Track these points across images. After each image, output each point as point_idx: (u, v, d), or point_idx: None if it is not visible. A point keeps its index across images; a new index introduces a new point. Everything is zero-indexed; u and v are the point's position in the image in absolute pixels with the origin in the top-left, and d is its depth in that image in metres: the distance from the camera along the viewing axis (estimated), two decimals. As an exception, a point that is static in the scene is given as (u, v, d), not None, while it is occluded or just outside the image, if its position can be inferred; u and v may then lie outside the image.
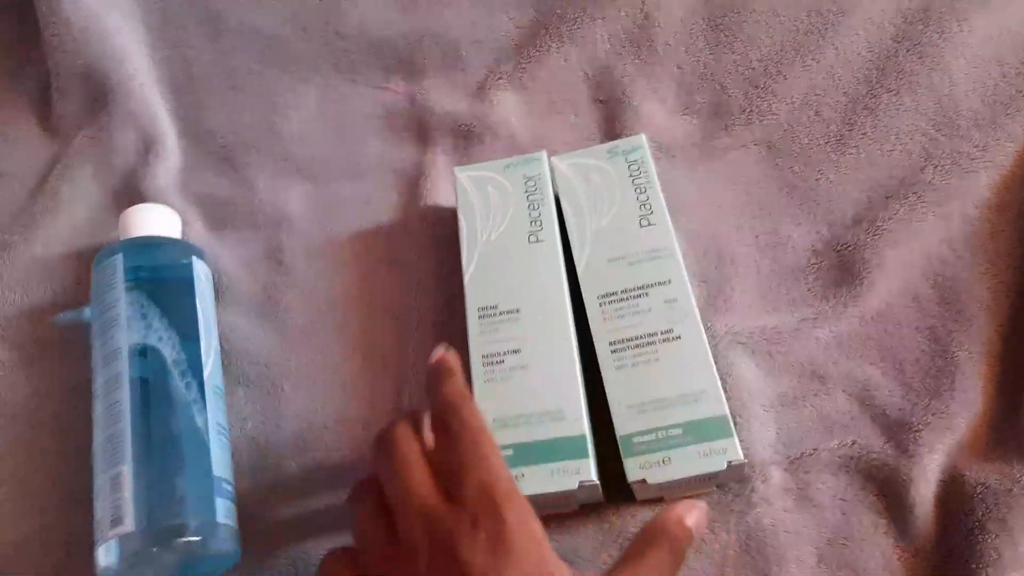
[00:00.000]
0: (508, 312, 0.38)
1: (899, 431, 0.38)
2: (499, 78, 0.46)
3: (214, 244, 0.44)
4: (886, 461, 0.38)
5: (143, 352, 0.37)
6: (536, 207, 0.40)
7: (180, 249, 0.40)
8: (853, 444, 0.38)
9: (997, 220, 0.42)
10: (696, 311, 0.38)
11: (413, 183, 0.45)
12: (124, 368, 0.36)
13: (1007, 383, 0.39)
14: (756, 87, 0.46)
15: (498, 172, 0.42)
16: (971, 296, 0.41)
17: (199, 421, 0.36)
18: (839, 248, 0.42)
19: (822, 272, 0.42)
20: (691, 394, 0.36)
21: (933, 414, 0.38)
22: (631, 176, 0.41)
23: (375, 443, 0.30)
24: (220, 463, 0.36)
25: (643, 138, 0.42)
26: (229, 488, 0.36)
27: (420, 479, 0.29)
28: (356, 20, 0.48)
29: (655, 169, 0.42)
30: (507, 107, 0.46)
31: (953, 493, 0.37)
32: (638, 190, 0.40)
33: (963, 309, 0.40)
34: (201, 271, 0.40)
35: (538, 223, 0.40)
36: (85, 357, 0.40)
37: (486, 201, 0.40)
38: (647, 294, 0.38)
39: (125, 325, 0.37)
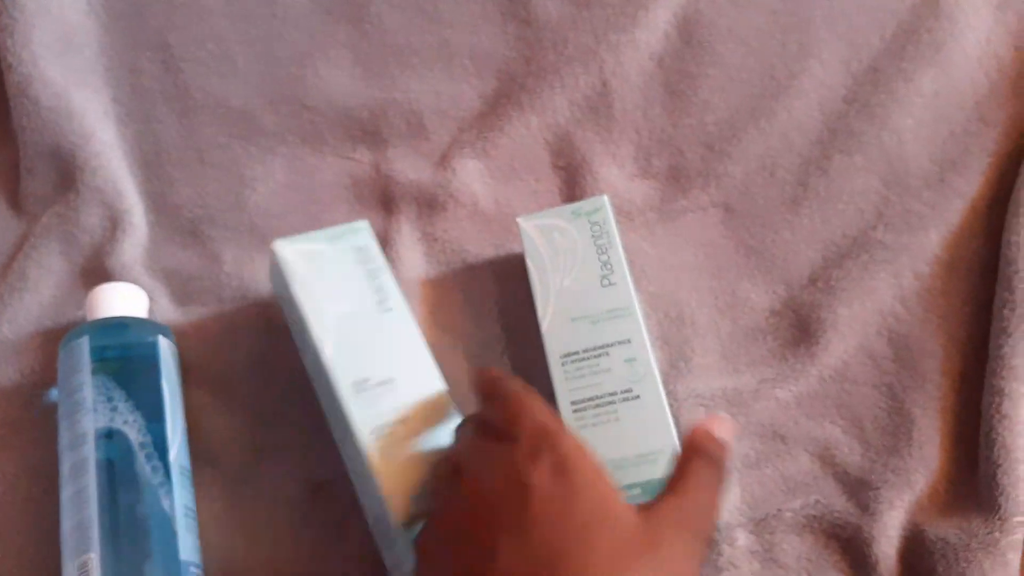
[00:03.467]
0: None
1: (860, 489, 0.39)
2: (462, 147, 0.48)
3: (181, 319, 0.44)
4: (848, 520, 0.38)
5: (109, 435, 0.37)
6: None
7: (146, 328, 0.41)
8: (816, 503, 0.39)
9: (947, 277, 0.43)
10: (655, 370, 0.39)
11: (379, 252, 0.46)
12: (90, 453, 0.36)
13: (962, 439, 0.40)
14: (712, 150, 0.47)
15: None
16: (924, 352, 0.42)
17: (166, 504, 0.36)
18: (796, 307, 0.43)
19: (780, 332, 0.43)
20: (650, 454, 0.37)
21: (892, 471, 0.39)
22: (593, 236, 0.42)
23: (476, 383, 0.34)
24: (187, 547, 0.36)
25: (605, 199, 0.43)
26: (197, 572, 0.36)
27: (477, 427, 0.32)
28: (322, 92, 0.49)
29: (617, 230, 0.42)
30: (470, 175, 0.47)
31: (914, 549, 0.38)
32: (599, 251, 0.41)
33: (917, 366, 0.41)
34: (167, 349, 0.41)
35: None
36: (55, 439, 0.40)
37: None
38: (608, 353, 0.39)
39: (91, 408, 0.37)
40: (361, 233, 0.40)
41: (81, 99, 0.48)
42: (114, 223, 0.46)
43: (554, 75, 0.48)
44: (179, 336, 0.43)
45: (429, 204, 0.46)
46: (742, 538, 0.38)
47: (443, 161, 0.47)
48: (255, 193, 0.47)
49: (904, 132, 0.47)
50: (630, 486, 0.36)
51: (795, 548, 0.38)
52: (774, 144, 0.47)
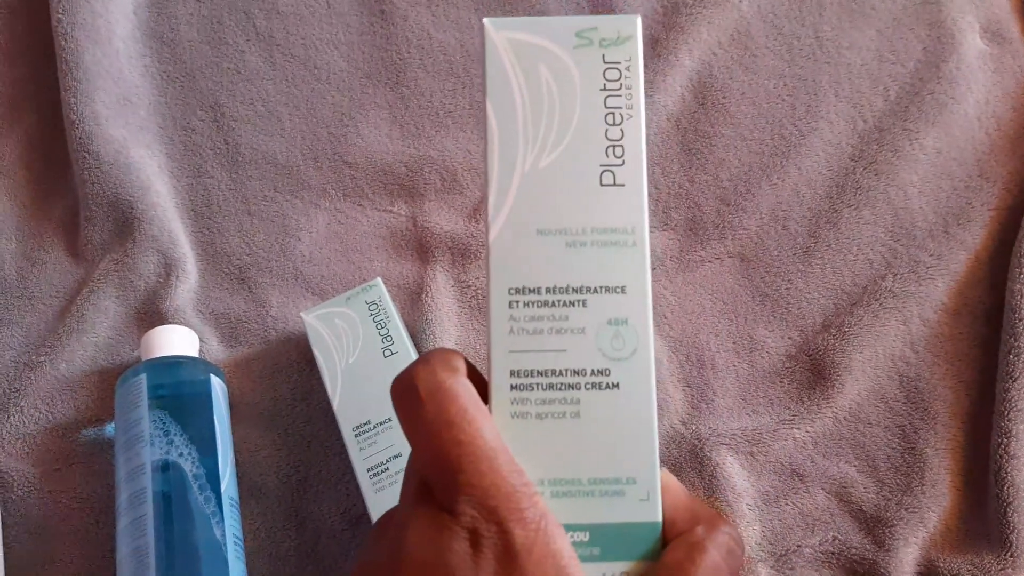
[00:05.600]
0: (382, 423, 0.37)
1: (875, 526, 0.41)
2: (493, 200, 0.51)
3: (229, 360, 0.47)
4: (865, 555, 0.40)
5: (165, 467, 0.39)
6: (383, 326, 0.42)
7: (198, 367, 0.43)
8: (834, 540, 0.41)
9: (954, 323, 0.46)
10: (651, 346, 0.26)
11: (415, 298, 0.48)
12: (148, 484, 0.39)
13: (972, 477, 0.42)
14: (727, 204, 0.50)
15: (341, 305, 0.44)
16: (934, 395, 0.44)
17: (217, 534, 0.38)
18: (810, 352, 0.46)
19: (796, 375, 0.45)
20: (615, 481, 0.24)
21: (906, 509, 0.41)
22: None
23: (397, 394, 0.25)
24: (237, 575, 0.38)
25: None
26: (246, 598, 0.37)
27: (408, 477, 0.24)
28: (362, 150, 0.52)
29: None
30: (501, 226, 0.50)
31: (930, 585, 0.39)
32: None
33: (928, 407, 0.43)
34: (218, 387, 0.43)
35: (389, 339, 0.42)
36: (107, 472, 0.43)
37: (337, 332, 0.43)
38: (584, 303, 0.25)
39: (148, 442, 0.40)
40: (373, 289, 0.44)
41: (138, 154, 0.52)
42: (168, 269, 0.49)
43: (579, 134, 0.52)
44: (227, 375, 0.45)
45: (462, 253, 0.49)
46: (764, 573, 0.40)
47: (475, 214, 0.51)
48: (299, 243, 0.50)
49: (909, 187, 0.50)
50: (573, 527, 0.24)
51: (815, 582, 0.40)
52: (786, 198, 0.50)
